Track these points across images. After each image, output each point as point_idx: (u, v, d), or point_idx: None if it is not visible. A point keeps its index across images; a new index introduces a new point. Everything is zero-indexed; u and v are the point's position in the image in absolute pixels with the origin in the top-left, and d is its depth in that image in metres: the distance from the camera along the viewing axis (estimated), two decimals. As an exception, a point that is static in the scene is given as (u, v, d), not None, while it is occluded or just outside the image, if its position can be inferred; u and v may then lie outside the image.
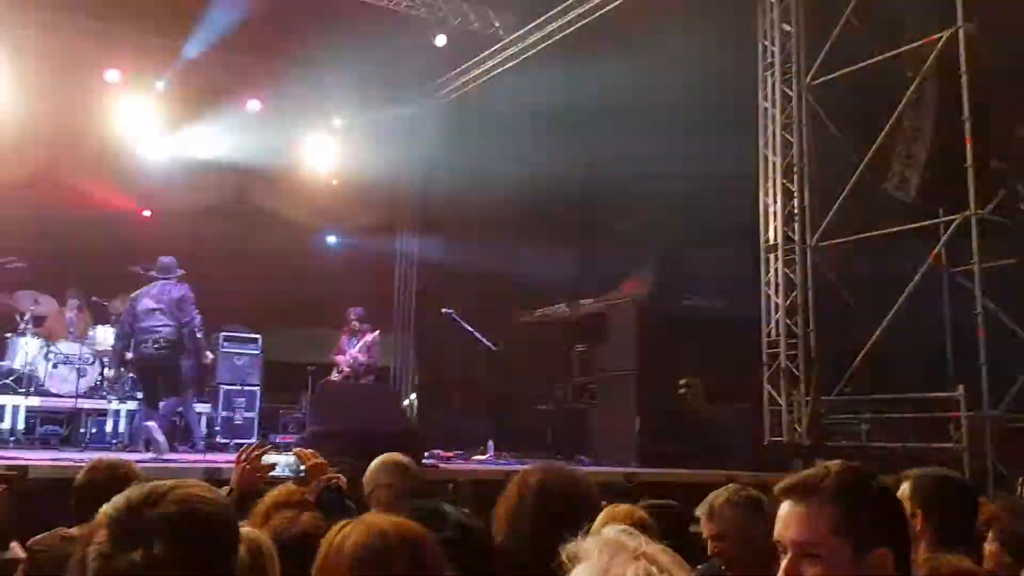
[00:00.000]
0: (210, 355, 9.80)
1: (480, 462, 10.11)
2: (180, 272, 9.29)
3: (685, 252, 12.77)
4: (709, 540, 3.04)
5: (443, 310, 11.04)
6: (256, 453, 3.81)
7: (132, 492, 1.34)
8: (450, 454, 10.10)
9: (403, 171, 14.75)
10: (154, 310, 8.97)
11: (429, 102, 14.62)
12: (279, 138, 13.96)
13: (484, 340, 11.00)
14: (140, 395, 9.43)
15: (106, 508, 1.33)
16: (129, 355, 9.42)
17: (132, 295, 9.25)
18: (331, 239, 14.63)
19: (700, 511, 3.12)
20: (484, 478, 7.74)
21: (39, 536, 3.50)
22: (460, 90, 14.27)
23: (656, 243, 13.14)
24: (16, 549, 4.81)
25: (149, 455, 8.00)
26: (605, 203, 15.20)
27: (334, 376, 9.95)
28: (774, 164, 10.46)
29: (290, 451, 5.21)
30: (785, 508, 1.62)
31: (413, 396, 12.90)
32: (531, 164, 14.63)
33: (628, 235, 14.49)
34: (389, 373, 13.89)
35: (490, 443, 11.27)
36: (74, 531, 3.38)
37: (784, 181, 10.35)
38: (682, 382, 10.15)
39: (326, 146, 14.09)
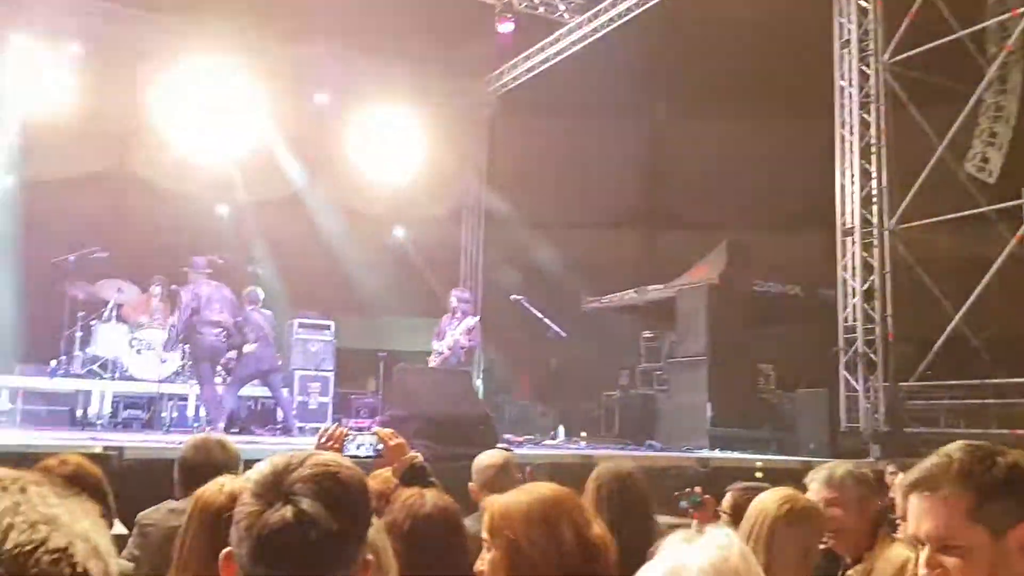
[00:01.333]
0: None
1: (552, 447, 10.14)
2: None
3: (757, 236, 12.62)
4: (824, 505, 3.03)
5: (512, 296, 11.06)
6: (339, 434, 3.88)
7: (273, 460, 1.41)
8: (520, 439, 10.14)
9: (468, 160, 14.81)
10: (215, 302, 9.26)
11: (493, 89, 14.67)
12: (347, 129, 14.13)
13: (553, 326, 11.00)
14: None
15: (250, 475, 1.41)
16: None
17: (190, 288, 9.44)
18: (399, 229, 14.76)
19: (815, 477, 3.11)
20: (560, 463, 7.77)
21: (146, 511, 3.61)
22: (523, 76, 14.26)
23: (727, 227, 13.00)
24: (118, 526, 4.99)
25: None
26: (674, 187, 15.14)
27: (432, 360, 9.95)
28: (851, 144, 10.25)
29: (369, 432, 5.30)
30: (915, 502, 1.58)
31: (480, 382, 12.96)
32: (596, 150, 14.61)
33: (698, 219, 14.40)
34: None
35: (560, 428, 11.31)
36: (180, 504, 3.49)
37: (862, 162, 10.14)
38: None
39: (392, 136, 14.19)
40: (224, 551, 1.38)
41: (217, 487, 2.32)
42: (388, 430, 3.99)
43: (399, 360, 11.24)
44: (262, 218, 13.39)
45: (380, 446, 3.90)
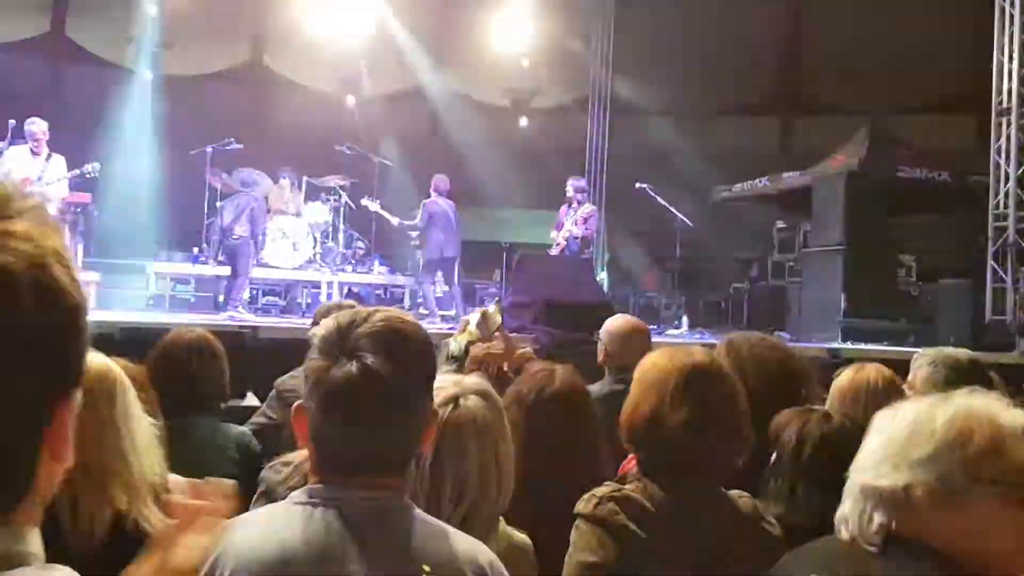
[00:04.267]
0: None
1: (675, 336, 10.03)
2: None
3: (903, 119, 11.85)
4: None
5: (637, 184, 10.81)
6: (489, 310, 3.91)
7: (339, 316, 1.43)
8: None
9: (594, 47, 14.39)
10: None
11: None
12: (468, 18, 13.93)
13: (679, 215, 10.74)
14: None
15: (316, 331, 1.44)
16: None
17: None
18: (523, 120, 14.59)
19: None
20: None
21: (283, 377, 3.77)
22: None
23: (870, 111, 12.24)
24: (251, 397, 5.25)
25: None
26: (812, 69, 14.31)
27: (553, 251, 9.92)
28: (1011, 16, 9.39)
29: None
30: None
31: (603, 272, 12.87)
32: (729, 30, 13.92)
33: (838, 103, 13.63)
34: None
35: (684, 318, 11.16)
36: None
37: (1022, 36, 9.29)
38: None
39: (518, 25, 13.89)
40: (295, 404, 1.43)
41: None
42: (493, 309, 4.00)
43: (523, 251, 11.28)
44: (388, 110, 13.50)
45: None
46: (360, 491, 1.38)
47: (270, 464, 2.26)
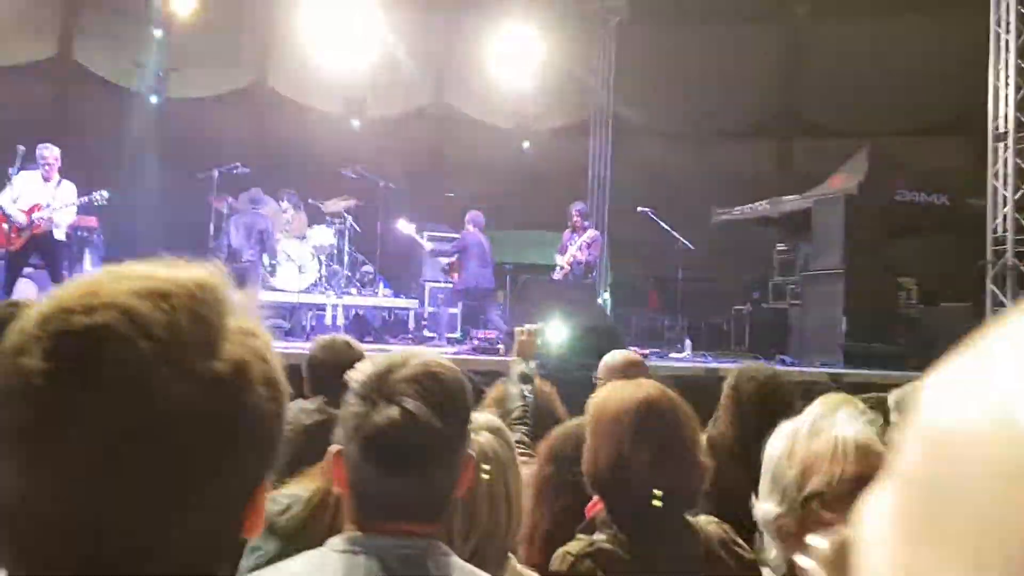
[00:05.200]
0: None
1: (678, 359, 10.09)
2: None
3: (900, 143, 11.93)
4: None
5: (639, 208, 10.91)
6: (534, 331, 3.95)
7: (375, 361, 1.46)
8: (646, 352, 10.10)
9: (596, 69, 14.51)
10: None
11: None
12: (473, 41, 14.06)
13: (680, 239, 10.82)
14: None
15: (353, 376, 1.46)
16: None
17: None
18: (525, 142, 14.68)
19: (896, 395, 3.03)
20: (683, 374, 7.73)
21: (285, 407, 3.80)
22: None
23: (868, 134, 12.34)
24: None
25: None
26: (811, 93, 14.42)
27: (556, 275, 10.04)
28: (1007, 43, 9.50)
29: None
30: None
31: (606, 294, 12.93)
32: (728, 53, 14.05)
33: (836, 126, 13.73)
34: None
35: (687, 341, 11.22)
36: (310, 403, 3.67)
37: (1018, 61, 9.41)
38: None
39: (520, 48, 14.01)
40: (332, 448, 1.45)
41: None
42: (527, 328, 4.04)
43: (526, 273, 11.36)
44: (392, 133, 13.62)
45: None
46: (399, 539, 1.40)
47: (271, 496, 2.30)
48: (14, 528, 0.71)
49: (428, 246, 10.78)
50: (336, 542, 1.42)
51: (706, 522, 2.09)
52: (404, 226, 10.94)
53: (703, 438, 2.19)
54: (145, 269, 0.78)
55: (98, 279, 0.76)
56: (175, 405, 0.72)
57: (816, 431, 1.41)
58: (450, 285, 11.21)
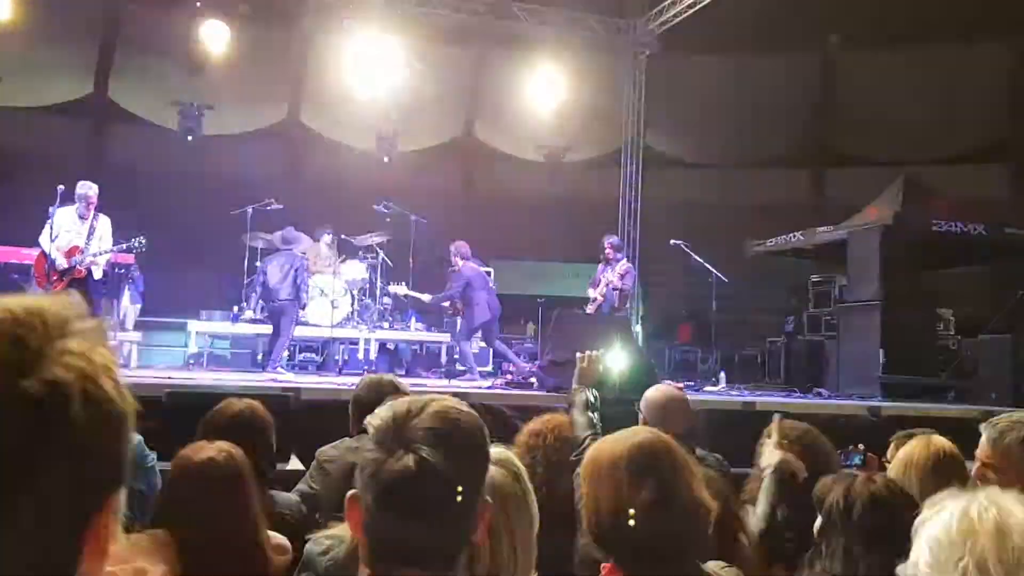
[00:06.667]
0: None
1: (712, 393, 9.98)
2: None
3: (936, 171, 11.81)
4: (981, 464, 2.83)
5: (672, 241, 10.86)
6: (595, 357, 3.92)
7: (393, 406, 1.44)
8: (680, 385, 9.99)
9: (627, 102, 14.54)
10: None
11: (652, 28, 14.25)
12: (501, 75, 14.16)
13: (714, 271, 10.75)
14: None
15: (371, 420, 1.44)
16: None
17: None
18: (556, 174, 14.71)
19: (984, 432, 2.91)
20: (717, 407, 7.64)
21: (325, 447, 3.80)
22: (684, 12, 13.76)
23: (903, 163, 12.24)
24: (294, 460, 5.28)
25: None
26: (844, 123, 14.36)
27: (588, 308, 9.99)
28: (1045, 70, 9.39)
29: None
30: None
31: (638, 327, 12.87)
32: (761, 82, 14.03)
33: (870, 156, 13.64)
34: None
35: (721, 374, 11.11)
36: (355, 441, 3.66)
37: (1056, 89, 9.29)
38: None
39: (550, 82, 14.08)
40: (350, 493, 1.43)
41: None
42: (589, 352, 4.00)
43: (558, 306, 11.32)
44: (423, 166, 13.71)
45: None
46: None
47: (314, 537, 2.27)
48: None
49: (424, 298, 10.65)
50: None
51: (720, 567, 2.04)
52: (396, 289, 10.90)
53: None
54: None
55: None
56: None
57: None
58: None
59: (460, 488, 1.39)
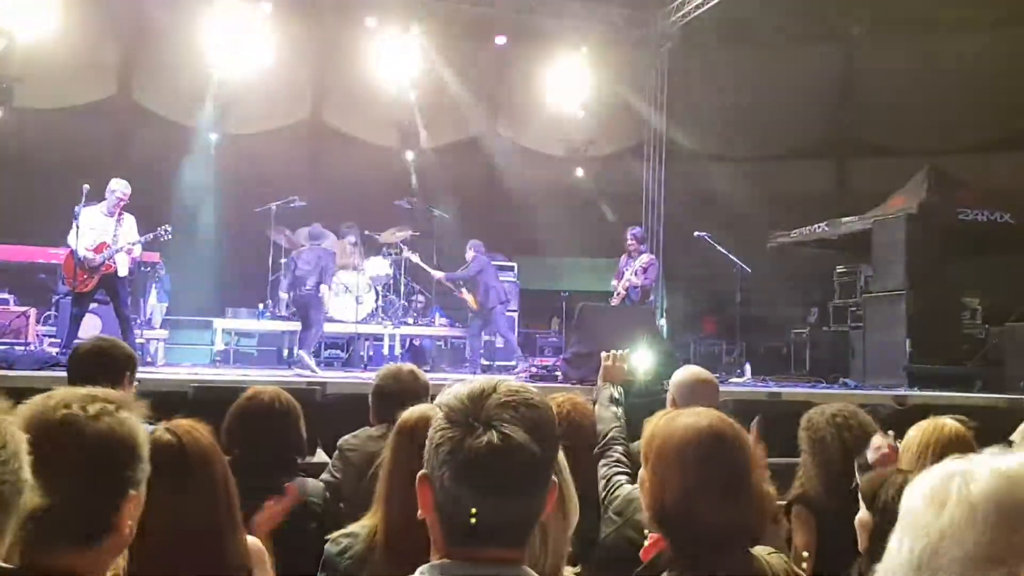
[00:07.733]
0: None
1: (737, 384, 9.95)
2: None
3: (961, 160, 11.69)
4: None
5: (696, 233, 10.82)
6: (622, 356, 3.92)
7: (465, 386, 1.45)
8: (706, 374, 9.97)
9: (648, 94, 14.49)
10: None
11: (673, 20, 14.21)
12: (525, 70, 14.15)
13: (738, 262, 10.71)
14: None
15: (442, 401, 1.45)
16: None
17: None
18: (578, 168, 14.69)
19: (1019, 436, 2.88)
20: (744, 398, 7.61)
21: (346, 436, 3.84)
22: (704, 4, 13.69)
23: (928, 152, 12.12)
24: (320, 453, 5.34)
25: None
26: (868, 112, 14.22)
27: (612, 301, 10.02)
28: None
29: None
30: None
31: (662, 320, 12.83)
32: (782, 73, 13.94)
33: (895, 145, 13.51)
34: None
35: (746, 365, 11.07)
36: (376, 430, 3.69)
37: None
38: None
39: (571, 76, 14.06)
40: (420, 473, 1.43)
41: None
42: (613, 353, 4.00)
43: (582, 299, 11.32)
44: (444, 163, 13.75)
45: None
46: (488, 566, 1.38)
47: (333, 537, 2.31)
48: None
49: (436, 274, 10.91)
50: (426, 570, 1.41)
51: (766, 552, 2.03)
52: (410, 256, 11.10)
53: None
54: None
55: None
56: None
57: None
58: (512, 313, 11.49)
59: (539, 463, 1.40)
